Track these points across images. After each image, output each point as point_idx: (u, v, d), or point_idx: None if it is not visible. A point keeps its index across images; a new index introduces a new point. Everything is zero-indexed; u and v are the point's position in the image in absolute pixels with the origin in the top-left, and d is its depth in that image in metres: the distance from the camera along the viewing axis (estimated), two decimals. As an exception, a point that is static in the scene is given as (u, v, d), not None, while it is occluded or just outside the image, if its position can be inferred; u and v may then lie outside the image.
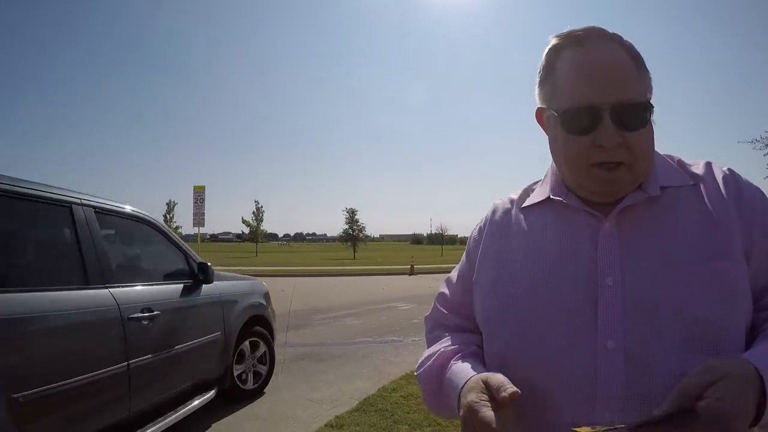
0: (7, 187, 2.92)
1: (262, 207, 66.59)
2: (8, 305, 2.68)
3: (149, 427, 3.57)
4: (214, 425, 4.74)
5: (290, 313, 11.67)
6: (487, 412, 0.85)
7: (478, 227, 1.23)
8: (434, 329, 1.25)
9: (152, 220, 4.42)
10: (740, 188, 1.01)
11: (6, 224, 3.05)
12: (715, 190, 1.00)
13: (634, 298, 0.93)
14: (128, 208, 4.11)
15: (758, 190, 1.03)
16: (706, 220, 0.96)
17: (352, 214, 67.04)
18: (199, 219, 26.13)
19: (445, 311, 1.24)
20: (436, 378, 1.08)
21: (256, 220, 65.59)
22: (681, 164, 1.08)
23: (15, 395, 2.58)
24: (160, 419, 3.70)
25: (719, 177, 1.02)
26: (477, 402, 0.88)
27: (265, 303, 5.89)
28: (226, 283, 5.20)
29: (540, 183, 1.17)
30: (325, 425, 4.68)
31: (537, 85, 1.09)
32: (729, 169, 1.05)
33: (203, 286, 4.65)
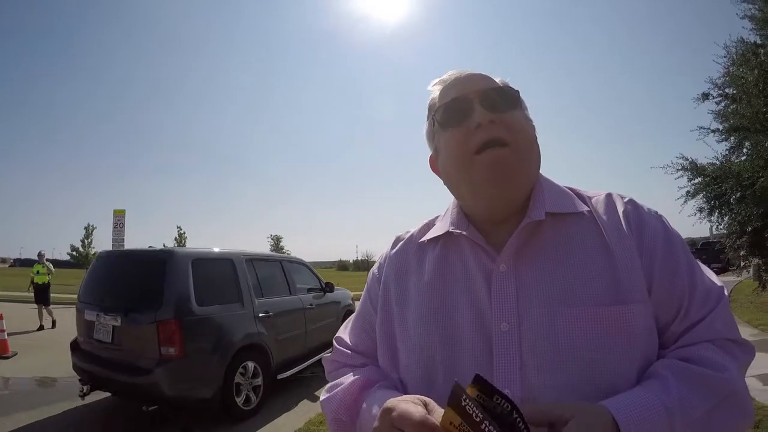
0: (273, 255, 8.73)
1: (184, 233, 60.90)
2: (271, 304, 6.96)
3: (312, 358, 7.72)
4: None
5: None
6: (411, 406, 0.80)
7: (378, 264, 1.23)
8: (339, 368, 1.20)
9: (305, 262, 9.12)
10: (642, 221, 1.00)
11: (276, 271, 7.81)
12: (615, 224, 0.99)
13: (529, 345, 0.92)
14: (296, 258, 9.02)
15: (660, 222, 1.02)
16: (607, 257, 0.95)
17: (277, 240, 64.09)
18: (118, 244, 25.39)
19: (348, 352, 1.20)
20: (348, 405, 1.04)
21: (179, 245, 58.30)
22: (578, 193, 1.08)
23: (278, 337, 6.79)
24: (315, 356, 7.75)
25: (620, 209, 1.02)
26: (401, 400, 0.83)
27: (351, 303, 9.99)
28: (337, 292, 9.38)
29: (441, 217, 1.18)
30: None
31: (425, 134, 1.16)
32: (630, 200, 1.05)
33: (327, 293, 8.95)
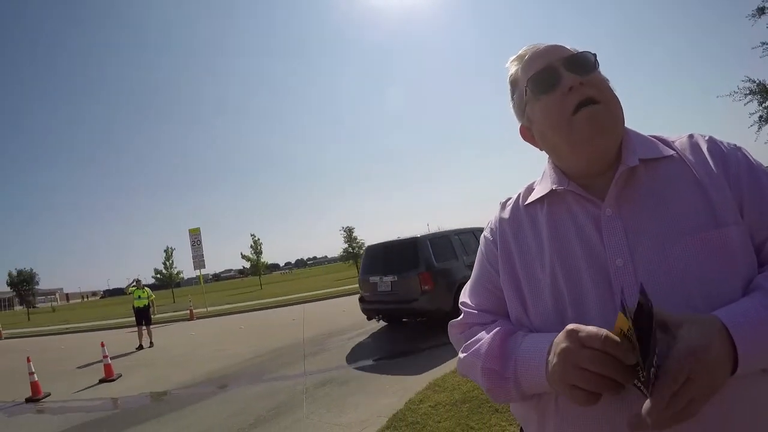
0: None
1: (259, 239, 64.69)
2: (472, 258, 9.10)
3: None
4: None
5: (304, 341, 11.76)
6: (594, 327, 0.88)
7: (489, 228, 1.31)
8: (469, 328, 1.26)
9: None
10: (725, 155, 1.07)
11: (471, 238, 11.37)
12: (702, 160, 1.07)
13: (645, 275, 0.99)
14: (481, 227, 10.67)
15: (741, 153, 1.09)
16: (700, 191, 1.03)
17: (349, 232, 63.40)
18: (198, 261, 26.82)
19: (475, 312, 1.26)
20: (497, 353, 1.10)
21: (255, 253, 64.05)
22: (662, 140, 1.16)
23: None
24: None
25: (704, 147, 1.10)
26: (582, 326, 0.91)
27: None
28: None
29: (538, 181, 1.26)
30: (357, 449, 4.96)
31: (511, 106, 1.27)
32: (710, 138, 1.13)
33: None
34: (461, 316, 1.30)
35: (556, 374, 0.94)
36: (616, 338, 0.84)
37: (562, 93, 1.09)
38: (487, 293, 1.26)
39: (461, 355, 1.22)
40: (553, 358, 0.95)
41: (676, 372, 0.79)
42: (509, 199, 1.32)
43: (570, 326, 0.93)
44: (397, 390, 6.47)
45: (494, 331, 1.15)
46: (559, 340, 0.94)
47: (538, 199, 1.22)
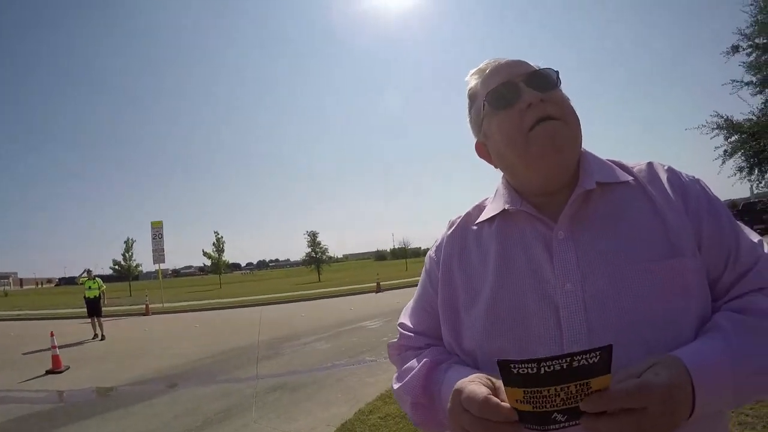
0: None
1: (222, 237, 65.34)
2: None
3: None
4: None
5: (259, 344, 11.58)
6: (476, 387, 0.86)
7: (435, 246, 1.27)
8: (403, 352, 1.25)
9: None
10: (685, 186, 1.06)
11: None
12: (661, 189, 1.06)
13: (594, 302, 0.96)
14: None
15: (700, 186, 1.08)
16: (657, 219, 1.02)
17: (313, 236, 65.36)
18: (158, 255, 26.76)
19: (411, 335, 1.24)
20: (423, 388, 1.09)
21: (218, 251, 64.11)
22: (620, 165, 1.14)
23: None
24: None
25: (663, 176, 1.09)
26: (469, 382, 0.89)
27: None
28: None
29: (491, 199, 1.22)
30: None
31: (468, 120, 1.23)
32: (670, 168, 1.11)
33: None
34: (398, 338, 1.28)
35: (450, 427, 0.92)
36: (496, 401, 0.81)
37: (520, 109, 1.06)
38: (426, 315, 1.23)
39: (394, 385, 1.18)
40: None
41: (620, 394, 0.75)
42: (458, 217, 1.27)
43: (457, 384, 0.90)
44: (349, 399, 6.41)
45: (422, 362, 1.12)
46: (450, 396, 0.90)
47: (488, 218, 1.18)
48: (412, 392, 1.10)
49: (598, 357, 0.72)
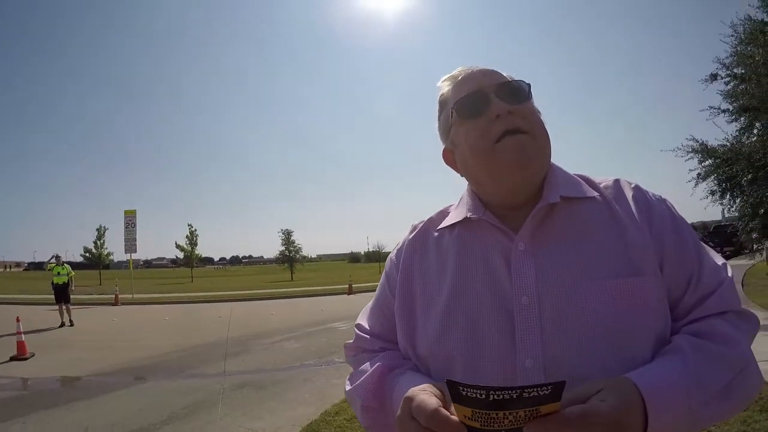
0: None
1: (195, 231, 63.33)
2: None
3: None
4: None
5: (228, 340, 11.55)
6: (427, 397, 0.85)
7: (396, 250, 1.26)
8: (358, 354, 1.24)
9: None
10: (650, 204, 1.06)
11: None
12: (626, 207, 1.05)
13: (550, 316, 0.96)
14: None
15: (666, 205, 1.08)
16: (619, 236, 1.01)
17: (288, 235, 63.68)
18: (130, 245, 26.49)
19: (367, 337, 1.24)
20: (374, 391, 1.09)
21: (191, 244, 62.21)
22: (587, 180, 1.13)
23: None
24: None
25: (629, 194, 1.08)
26: (421, 391, 0.88)
27: None
28: None
29: (455, 205, 1.22)
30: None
31: (437, 126, 1.21)
32: (636, 186, 1.11)
33: None
34: (353, 339, 1.28)
35: None
36: (445, 414, 0.80)
37: (488, 120, 1.05)
38: (383, 318, 1.23)
39: (347, 386, 1.19)
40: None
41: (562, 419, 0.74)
42: (421, 222, 1.26)
43: (408, 392, 0.89)
44: (315, 399, 6.43)
45: (375, 366, 1.12)
46: (401, 403, 0.89)
47: (450, 225, 1.18)
48: (363, 395, 1.10)
49: (549, 390, 0.70)
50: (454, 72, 1.18)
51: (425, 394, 0.86)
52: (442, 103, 1.19)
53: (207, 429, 5.57)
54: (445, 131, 1.18)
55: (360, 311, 1.33)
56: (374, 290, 1.31)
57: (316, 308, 18.78)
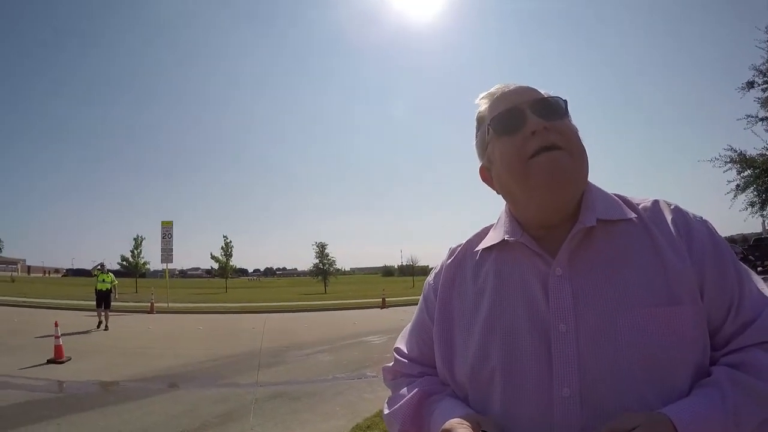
0: None
1: (231, 242, 65.10)
2: None
3: None
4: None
5: (261, 351, 11.58)
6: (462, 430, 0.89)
7: (434, 273, 1.26)
8: (396, 377, 1.25)
9: None
10: (690, 227, 1.03)
11: None
12: (666, 230, 1.02)
13: (587, 344, 0.94)
14: None
15: (706, 228, 1.05)
16: (658, 261, 0.98)
17: (321, 248, 65.53)
18: (167, 255, 27.03)
19: (405, 361, 1.24)
20: (412, 417, 1.10)
21: (225, 255, 63.64)
22: (625, 200, 1.11)
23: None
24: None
25: (668, 216, 1.05)
26: (459, 424, 0.92)
27: None
28: None
29: (493, 227, 1.20)
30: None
31: (475, 144, 1.21)
32: (676, 207, 1.08)
33: None
34: (392, 363, 1.28)
35: None
36: None
37: (524, 136, 1.04)
38: (421, 342, 1.22)
39: (385, 410, 1.20)
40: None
41: None
42: (459, 245, 1.25)
43: (446, 424, 0.93)
44: (347, 413, 6.38)
45: (414, 391, 1.13)
46: (456, 421, 0.94)
47: (488, 247, 1.16)
48: (401, 420, 1.11)
49: None
50: (492, 89, 1.18)
51: (463, 429, 0.89)
52: (480, 120, 1.19)
53: (239, 440, 5.47)
54: (482, 148, 1.17)
55: (393, 325, 1.33)
56: (407, 304, 1.36)
57: (349, 321, 18.77)
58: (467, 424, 0.90)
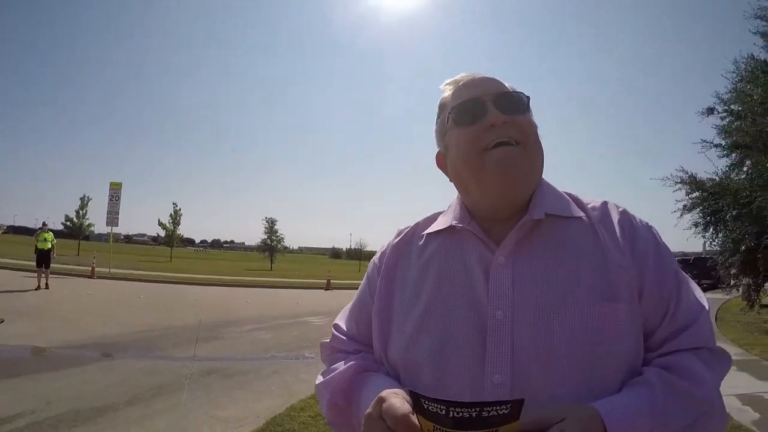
0: None
1: (180, 210, 62.79)
2: None
3: None
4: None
5: (200, 325, 11.37)
6: (399, 401, 0.85)
7: (379, 253, 1.25)
8: (333, 353, 1.24)
9: None
10: (635, 230, 1.05)
11: None
12: (611, 230, 1.04)
13: (522, 333, 0.95)
14: None
15: (651, 232, 1.07)
16: (601, 259, 1.00)
17: (271, 223, 64.64)
18: (112, 218, 26.08)
19: (343, 338, 1.23)
20: (344, 389, 1.09)
21: (173, 223, 61.45)
22: (576, 199, 1.13)
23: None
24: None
25: (615, 218, 1.07)
26: (394, 394, 0.88)
27: None
28: None
29: (443, 213, 1.21)
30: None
31: (434, 129, 1.21)
32: (624, 210, 1.10)
33: None
34: (330, 338, 1.27)
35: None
36: (414, 423, 0.80)
37: (483, 128, 1.05)
38: (360, 320, 1.22)
39: (318, 380, 1.18)
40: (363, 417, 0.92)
41: None
42: (407, 227, 1.26)
43: (382, 393, 0.90)
44: (283, 393, 6.38)
45: (349, 364, 1.12)
46: (372, 402, 0.90)
47: (435, 231, 1.17)
48: (332, 390, 1.11)
49: (508, 409, 0.71)
50: (457, 77, 1.18)
51: (398, 398, 0.86)
52: (442, 106, 1.19)
53: (170, 412, 5.50)
54: (441, 134, 1.18)
55: (336, 307, 1.32)
56: (352, 288, 1.35)
57: (292, 301, 18.73)
58: (402, 395, 0.88)
